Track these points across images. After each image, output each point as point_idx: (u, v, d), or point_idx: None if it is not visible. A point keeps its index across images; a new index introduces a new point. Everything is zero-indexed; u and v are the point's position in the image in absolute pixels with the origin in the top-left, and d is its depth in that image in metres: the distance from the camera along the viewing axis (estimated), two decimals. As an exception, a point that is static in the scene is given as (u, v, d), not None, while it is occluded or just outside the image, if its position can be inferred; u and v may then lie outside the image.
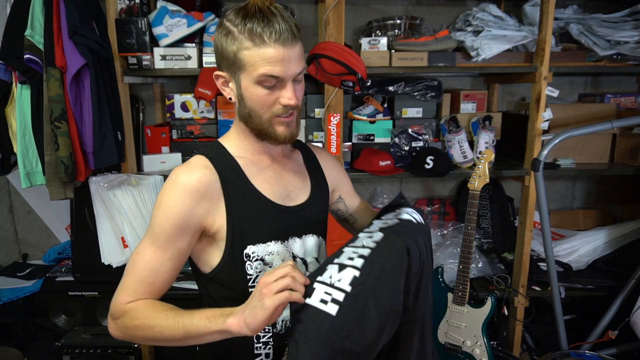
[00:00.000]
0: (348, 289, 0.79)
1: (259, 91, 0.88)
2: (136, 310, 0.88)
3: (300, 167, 1.10)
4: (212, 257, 0.96)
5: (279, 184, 1.00)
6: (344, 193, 1.19)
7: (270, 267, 0.95)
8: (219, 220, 0.92)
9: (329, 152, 1.20)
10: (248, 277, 0.94)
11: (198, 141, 2.12)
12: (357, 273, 0.81)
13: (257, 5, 0.85)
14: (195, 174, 0.91)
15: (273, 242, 0.96)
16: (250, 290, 0.94)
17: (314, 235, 1.05)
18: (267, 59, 0.85)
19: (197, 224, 0.91)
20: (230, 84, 0.93)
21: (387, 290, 0.82)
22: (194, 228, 0.91)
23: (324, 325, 0.77)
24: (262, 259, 0.95)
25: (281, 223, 0.98)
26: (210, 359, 1.02)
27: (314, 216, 1.05)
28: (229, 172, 0.94)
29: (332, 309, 0.77)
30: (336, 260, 0.84)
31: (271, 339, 0.98)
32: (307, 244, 1.03)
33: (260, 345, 0.98)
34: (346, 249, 0.87)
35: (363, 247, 0.86)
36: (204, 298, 1.02)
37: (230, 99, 0.95)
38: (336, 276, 0.81)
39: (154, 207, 0.92)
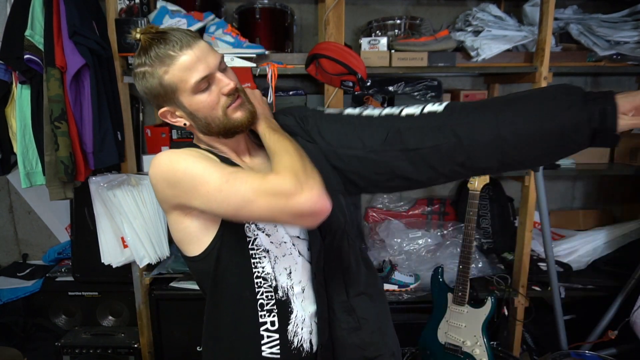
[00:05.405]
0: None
1: (201, 98, 0.92)
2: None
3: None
4: (208, 234, 0.96)
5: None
6: None
7: (263, 232, 0.97)
8: None
9: None
10: (247, 239, 0.96)
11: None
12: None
13: (147, 37, 0.90)
14: (194, 148, 0.97)
15: None
16: (250, 252, 0.96)
17: None
18: (187, 67, 0.89)
19: None
20: (177, 113, 0.96)
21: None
22: None
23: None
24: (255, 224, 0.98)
25: None
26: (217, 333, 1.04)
27: None
28: (220, 159, 0.97)
29: None
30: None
31: (275, 307, 0.99)
32: None
33: (265, 313, 0.99)
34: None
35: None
36: (205, 278, 1.00)
37: (185, 124, 0.97)
38: None
39: (169, 176, 0.90)
